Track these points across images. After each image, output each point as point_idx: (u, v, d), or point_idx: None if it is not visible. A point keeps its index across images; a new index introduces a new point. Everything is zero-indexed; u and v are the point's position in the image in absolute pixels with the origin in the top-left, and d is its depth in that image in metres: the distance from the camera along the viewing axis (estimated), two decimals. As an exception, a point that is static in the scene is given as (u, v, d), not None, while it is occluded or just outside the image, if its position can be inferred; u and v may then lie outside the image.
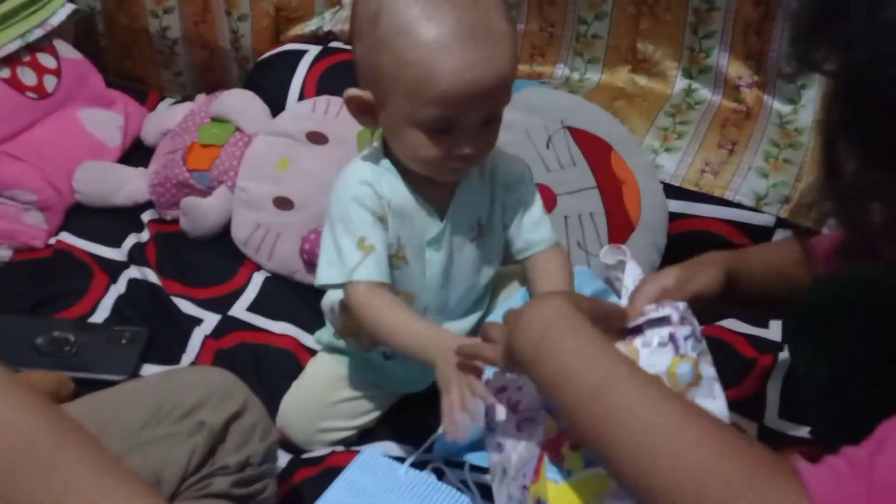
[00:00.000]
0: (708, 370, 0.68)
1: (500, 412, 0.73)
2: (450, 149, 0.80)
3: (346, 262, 0.82)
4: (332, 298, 0.95)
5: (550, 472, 0.67)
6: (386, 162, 0.85)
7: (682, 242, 1.22)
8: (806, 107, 1.25)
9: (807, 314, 0.81)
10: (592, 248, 1.14)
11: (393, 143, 0.83)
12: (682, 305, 0.70)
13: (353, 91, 0.82)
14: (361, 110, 0.83)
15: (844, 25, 0.51)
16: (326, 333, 1.01)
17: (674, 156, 1.24)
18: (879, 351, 0.74)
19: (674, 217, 1.22)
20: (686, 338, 0.67)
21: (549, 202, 1.16)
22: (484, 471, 0.96)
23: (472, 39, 0.75)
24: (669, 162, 1.24)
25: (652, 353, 0.67)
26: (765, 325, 1.15)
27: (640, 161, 1.21)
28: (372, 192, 0.83)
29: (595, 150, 1.18)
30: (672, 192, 1.23)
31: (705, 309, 0.76)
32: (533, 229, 0.92)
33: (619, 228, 1.16)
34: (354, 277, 0.82)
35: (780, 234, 1.22)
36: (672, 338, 0.67)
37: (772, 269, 0.84)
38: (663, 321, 0.69)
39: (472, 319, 0.96)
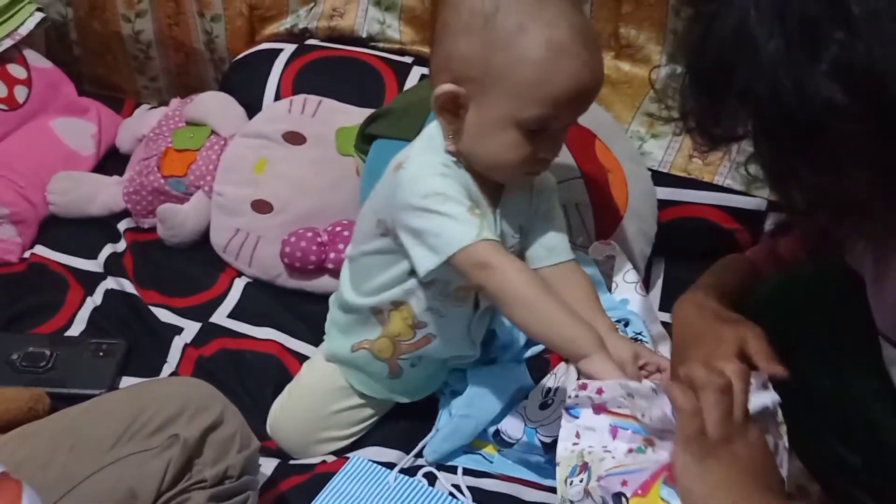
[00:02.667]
0: (782, 442, 0.70)
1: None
2: (535, 151, 0.81)
3: (468, 225, 0.78)
4: (368, 303, 0.91)
5: (666, 492, 0.66)
6: (453, 160, 0.84)
7: (674, 230, 1.20)
8: (794, 86, 1.22)
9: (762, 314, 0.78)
10: (579, 239, 1.12)
11: (476, 142, 0.82)
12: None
13: (446, 87, 0.80)
14: (447, 107, 0.81)
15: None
16: (341, 347, 0.96)
17: (661, 142, 1.22)
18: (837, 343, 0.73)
19: (664, 204, 1.20)
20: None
21: None
22: (476, 474, 0.94)
23: (584, 43, 0.78)
24: (656, 148, 1.21)
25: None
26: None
27: (626, 148, 1.19)
28: (455, 175, 0.83)
29: (578, 140, 1.16)
30: (661, 179, 1.20)
31: None
32: (557, 238, 0.92)
33: (607, 218, 1.13)
34: (485, 236, 0.78)
35: (772, 218, 1.19)
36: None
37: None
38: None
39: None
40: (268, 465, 0.94)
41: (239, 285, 1.18)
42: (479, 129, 0.81)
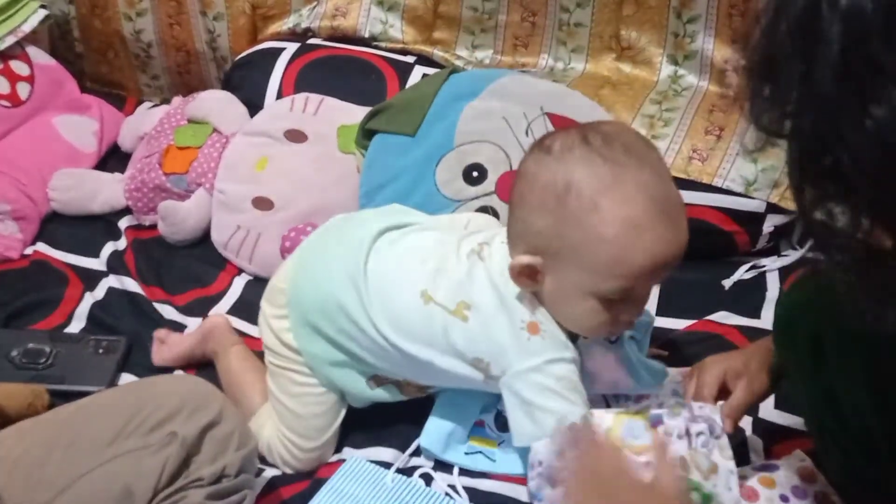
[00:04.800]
0: (725, 463, 0.76)
1: None
2: (618, 315, 0.82)
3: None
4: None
5: None
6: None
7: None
8: (794, 89, 1.22)
9: (792, 321, 0.77)
10: None
11: (557, 308, 0.83)
12: (701, 406, 0.80)
13: (524, 259, 0.81)
14: (524, 273, 0.82)
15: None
16: (348, 381, 0.94)
17: (661, 143, 1.21)
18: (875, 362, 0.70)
19: (663, 206, 1.20)
20: (698, 434, 0.77)
21: None
22: (473, 475, 0.94)
23: (662, 215, 0.78)
24: (656, 150, 1.21)
25: (673, 441, 0.77)
26: (756, 316, 1.13)
27: None
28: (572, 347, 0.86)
29: None
30: (660, 180, 1.20)
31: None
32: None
33: None
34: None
35: (770, 219, 1.19)
36: (687, 432, 0.77)
37: None
38: (679, 413, 0.78)
39: None
40: (266, 471, 0.94)
41: (240, 283, 1.18)
42: (557, 295, 0.82)
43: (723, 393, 0.85)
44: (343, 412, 0.95)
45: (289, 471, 0.94)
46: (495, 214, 1.13)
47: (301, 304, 0.91)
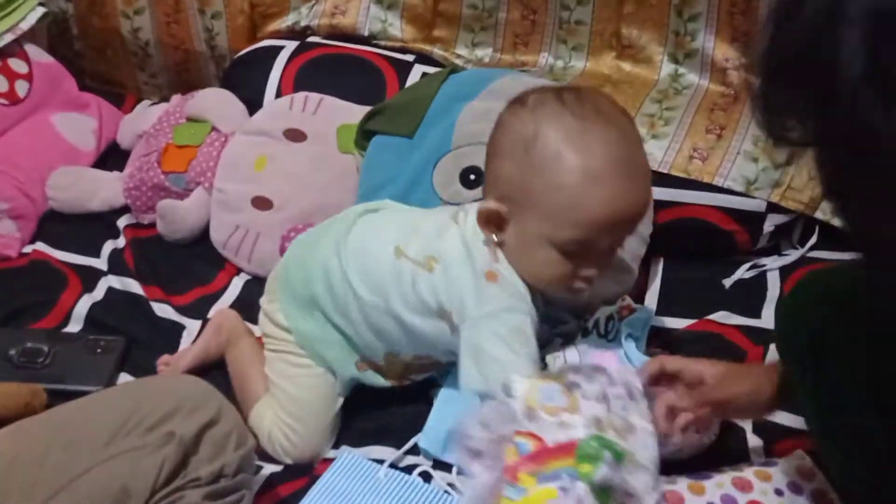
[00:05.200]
0: (643, 424, 0.77)
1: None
2: (576, 270, 0.85)
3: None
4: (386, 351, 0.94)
5: (508, 491, 0.72)
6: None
7: (673, 230, 1.20)
8: (795, 88, 1.22)
9: (793, 326, 0.76)
10: None
11: (520, 257, 0.86)
12: (619, 370, 0.80)
13: (490, 205, 0.86)
14: (490, 221, 0.86)
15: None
16: (338, 359, 0.96)
17: (661, 142, 1.21)
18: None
19: (663, 205, 1.19)
20: (616, 397, 0.77)
21: None
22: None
23: (622, 171, 0.82)
24: (657, 149, 1.21)
25: (591, 405, 0.77)
26: (757, 316, 1.13)
27: None
28: (530, 297, 0.87)
29: None
30: (661, 179, 1.19)
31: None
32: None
33: None
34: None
35: (771, 219, 1.19)
36: (605, 396, 0.77)
37: None
38: (596, 377, 0.78)
39: None
40: (265, 469, 0.93)
41: (238, 282, 1.18)
42: (519, 244, 0.86)
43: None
44: (340, 401, 0.97)
45: (288, 460, 0.94)
46: None
47: (290, 281, 0.96)
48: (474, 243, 0.88)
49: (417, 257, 0.89)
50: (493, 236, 0.87)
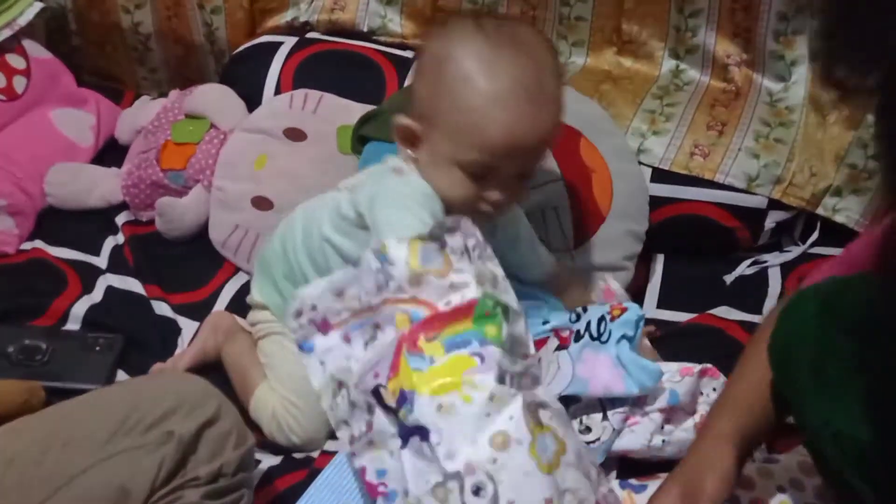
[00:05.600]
0: (499, 271, 0.79)
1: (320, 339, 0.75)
2: (482, 193, 0.87)
3: (418, 228, 0.81)
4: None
5: (413, 362, 0.70)
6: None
7: (674, 227, 1.20)
8: (797, 83, 1.21)
9: (790, 344, 0.73)
10: (556, 243, 1.11)
11: (430, 174, 0.88)
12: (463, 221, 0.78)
13: (402, 119, 0.88)
14: (406, 137, 0.89)
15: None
16: None
17: (662, 139, 1.21)
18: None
19: (664, 202, 1.19)
20: (474, 247, 0.78)
21: None
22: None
23: (525, 97, 0.83)
24: (658, 146, 1.21)
25: (461, 261, 0.77)
26: (758, 311, 1.13)
27: (614, 145, 1.17)
28: (438, 201, 0.88)
29: (562, 140, 1.14)
30: (661, 176, 1.20)
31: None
32: (535, 258, 1.01)
33: (586, 220, 1.12)
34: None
35: (772, 216, 1.19)
36: (466, 248, 0.77)
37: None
38: (453, 232, 0.77)
39: None
40: (264, 463, 0.94)
41: (237, 281, 1.17)
42: (429, 162, 0.88)
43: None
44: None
45: (296, 440, 0.95)
46: None
47: (264, 257, 1.03)
48: (392, 160, 0.92)
49: (348, 186, 0.95)
50: (410, 153, 0.89)
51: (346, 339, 0.75)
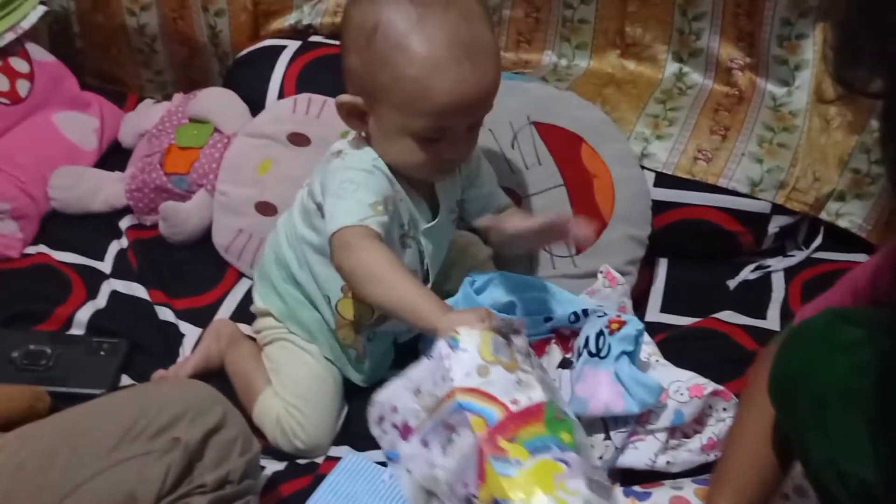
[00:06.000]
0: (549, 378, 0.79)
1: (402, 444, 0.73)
2: (438, 154, 0.87)
3: (357, 212, 0.83)
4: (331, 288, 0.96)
5: (499, 467, 0.67)
6: (379, 160, 0.89)
7: (677, 231, 1.20)
8: (801, 88, 1.21)
9: (793, 381, 0.70)
10: (558, 249, 1.12)
11: (382, 147, 0.89)
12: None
13: (344, 98, 0.88)
14: (352, 115, 0.89)
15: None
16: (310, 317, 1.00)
17: (665, 143, 1.21)
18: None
19: (667, 206, 1.19)
20: (528, 352, 0.77)
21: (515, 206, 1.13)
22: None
23: (464, 55, 0.82)
24: (661, 150, 1.21)
25: (525, 361, 0.75)
26: (762, 317, 1.13)
27: (616, 150, 1.17)
28: (384, 178, 0.88)
29: (563, 146, 1.15)
30: (665, 180, 1.20)
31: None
32: (494, 192, 1.01)
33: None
34: (366, 223, 0.83)
35: (776, 220, 1.19)
36: (528, 351, 0.77)
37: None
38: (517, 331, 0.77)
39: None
40: (268, 468, 0.94)
41: (241, 286, 1.17)
42: (380, 135, 0.88)
43: None
44: (340, 387, 0.99)
45: (300, 445, 0.95)
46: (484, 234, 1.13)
47: (262, 264, 1.04)
48: (336, 142, 0.93)
49: (307, 180, 0.96)
50: (361, 133, 0.90)
51: (425, 444, 0.72)
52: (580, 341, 0.92)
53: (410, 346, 1.04)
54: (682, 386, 0.89)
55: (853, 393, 0.64)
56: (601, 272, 1.06)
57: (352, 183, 0.86)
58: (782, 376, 0.70)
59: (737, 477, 0.76)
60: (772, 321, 1.12)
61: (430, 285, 0.97)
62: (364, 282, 0.82)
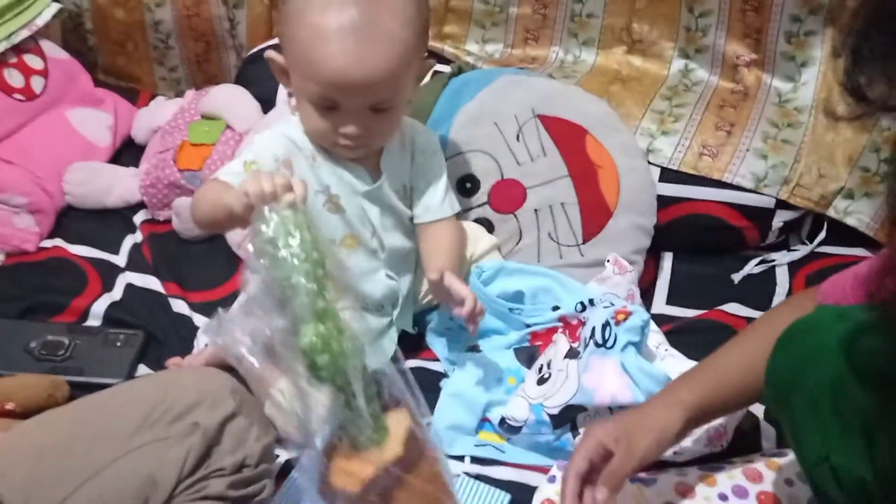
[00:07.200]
0: None
1: None
2: (335, 125, 0.90)
3: (228, 169, 0.91)
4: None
5: None
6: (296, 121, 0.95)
7: (683, 226, 1.21)
8: (806, 84, 1.23)
9: (787, 383, 0.71)
10: (565, 239, 1.13)
11: (298, 107, 0.93)
12: None
13: (272, 53, 0.93)
14: (279, 72, 0.94)
15: None
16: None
17: (671, 139, 1.22)
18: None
19: (672, 201, 1.21)
20: None
21: (519, 197, 1.14)
22: (485, 462, 0.95)
23: (353, 34, 0.84)
24: (667, 145, 1.22)
25: None
26: (765, 309, 1.13)
27: (620, 141, 1.18)
28: (288, 142, 0.93)
29: (568, 137, 1.16)
30: (670, 175, 1.21)
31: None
32: (434, 198, 1.02)
33: (594, 215, 1.14)
34: (220, 177, 0.91)
35: (780, 215, 1.20)
36: None
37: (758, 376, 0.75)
38: None
39: (406, 281, 1.04)
40: (281, 457, 0.95)
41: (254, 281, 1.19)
42: (295, 96, 0.93)
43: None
44: None
45: None
46: (489, 225, 1.14)
47: None
48: None
49: None
50: (289, 90, 0.94)
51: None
52: (586, 332, 0.93)
53: (414, 338, 1.06)
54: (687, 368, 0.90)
55: (846, 391, 0.65)
56: (609, 260, 1.07)
57: (249, 144, 0.93)
58: (778, 374, 0.71)
59: (709, 379, 0.79)
60: (776, 315, 1.13)
61: (385, 252, 1.00)
62: (193, 210, 0.91)
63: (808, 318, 0.71)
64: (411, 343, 1.08)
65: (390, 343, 1.02)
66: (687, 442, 0.91)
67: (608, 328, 0.91)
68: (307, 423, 0.72)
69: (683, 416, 0.77)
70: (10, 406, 0.94)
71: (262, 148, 0.93)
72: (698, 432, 0.91)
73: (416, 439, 0.74)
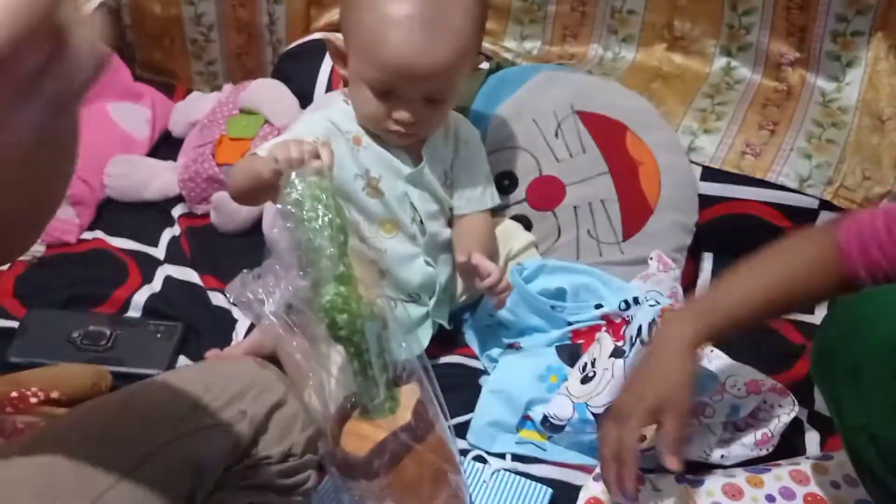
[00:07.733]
0: None
1: None
2: (389, 111, 0.92)
3: (266, 147, 0.88)
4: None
5: None
6: (343, 104, 0.97)
7: (724, 226, 1.20)
8: (851, 84, 1.21)
9: (831, 351, 0.72)
10: (605, 236, 1.12)
11: (352, 91, 0.95)
12: None
13: (330, 35, 0.96)
14: (337, 55, 0.96)
15: None
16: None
17: (713, 137, 1.21)
18: None
19: (714, 200, 1.19)
20: None
21: (559, 194, 1.13)
22: (527, 460, 0.94)
23: (420, 24, 0.86)
24: (709, 144, 1.21)
25: None
26: (810, 311, 1.12)
27: (660, 138, 1.17)
28: (329, 125, 0.95)
29: (607, 134, 1.15)
30: (712, 174, 1.20)
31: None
32: (475, 191, 1.03)
33: (635, 212, 1.13)
34: (257, 151, 0.90)
35: (823, 216, 1.18)
36: None
37: (774, 305, 0.78)
38: None
39: (444, 272, 1.04)
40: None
41: (292, 273, 1.19)
42: (350, 79, 0.94)
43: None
44: None
45: None
46: (528, 222, 1.14)
47: None
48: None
49: None
50: (342, 71, 0.96)
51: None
52: (632, 330, 0.92)
53: (451, 334, 1.06)
54: (738, 381, 0.89)
55: (888, 361, 0.66)
56: (652, 257, 1.06)
57: (290, 130, 0.94)
58: (822, 345, 0.74)
59: (730, 306, 0.79)
60: (819, 316, 1.11)
61: (425, 238, 1.00)
62: (229, 183, 0.92)
63: (870, 291, 0.73)
64: (449, 339, 1.07)
65: (425, 335, 1.02)
66: (734, 445, 0.89)
67: (654, 326, 0.90)
68: (323, 389, 0.75)
69: (692, 354, 0.77)
70: (54, 395, 0.94)
71: (304, 130, 0.93)
72: (747, 437, 0.89)
73: (426, 412, 0.77)
